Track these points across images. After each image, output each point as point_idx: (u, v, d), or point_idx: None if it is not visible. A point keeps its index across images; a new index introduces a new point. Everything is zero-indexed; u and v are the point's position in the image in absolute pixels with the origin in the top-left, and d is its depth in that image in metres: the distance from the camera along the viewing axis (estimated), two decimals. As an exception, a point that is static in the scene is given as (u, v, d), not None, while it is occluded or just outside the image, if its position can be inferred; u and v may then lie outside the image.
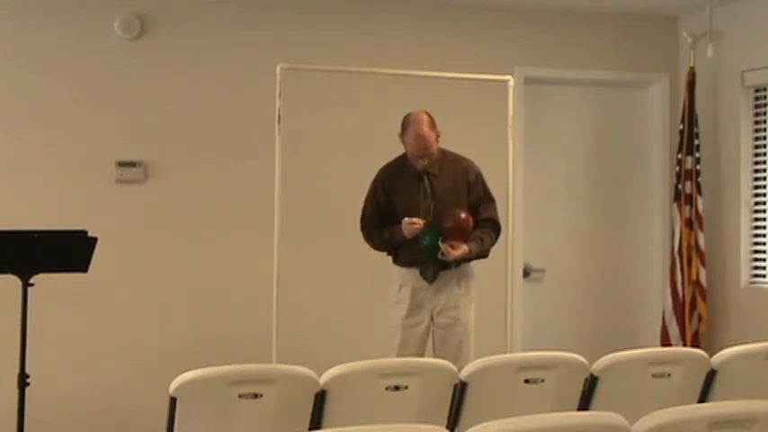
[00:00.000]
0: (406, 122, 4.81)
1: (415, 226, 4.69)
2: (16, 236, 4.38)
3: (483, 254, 4.87)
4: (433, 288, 4.80)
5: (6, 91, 5.51)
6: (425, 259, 4.76)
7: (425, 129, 4.75)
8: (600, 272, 6.52)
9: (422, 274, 4.81)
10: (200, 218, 5.71)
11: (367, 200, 4.94)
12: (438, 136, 4.81)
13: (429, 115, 4.81)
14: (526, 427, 2.44)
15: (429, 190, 4.80)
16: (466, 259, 4.80)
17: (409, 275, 4.83)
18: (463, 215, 4.73)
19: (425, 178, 4.81)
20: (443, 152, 4.88)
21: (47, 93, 5.55)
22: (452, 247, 4.68)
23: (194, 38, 5.76)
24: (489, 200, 4.93)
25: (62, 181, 5.53)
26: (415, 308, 4.81)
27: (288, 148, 5.04)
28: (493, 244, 4.90)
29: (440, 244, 4.68)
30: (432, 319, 4.82)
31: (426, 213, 4.76)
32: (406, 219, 4.72)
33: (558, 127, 6.49)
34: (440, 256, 4.69)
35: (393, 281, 4.90)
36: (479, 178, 4.91)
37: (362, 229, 4.94)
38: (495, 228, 4.89)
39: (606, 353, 3.70)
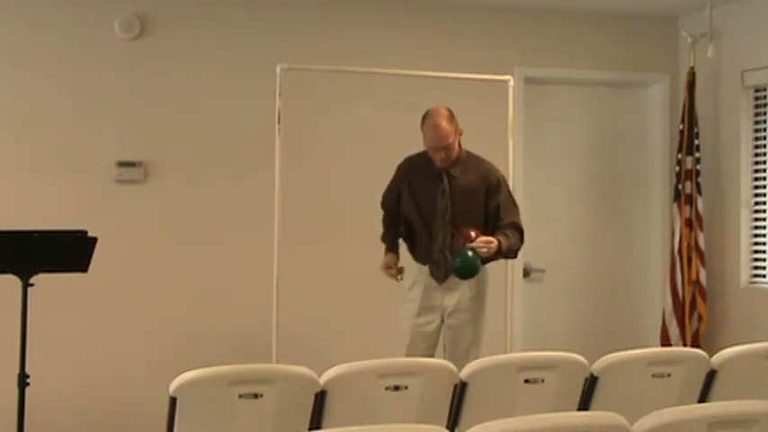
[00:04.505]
0: (425, 115, 4.78)
1: (391, 272, 4.87)
2: (16, 236, 4.38)
3: (511, 249, 4.76)
4: (444, 288, 4.77)
5: (6, 91, 5.51)
6: (438, 259, 4.72)
7: (442, 121, 4.71)
8: (600, 272, 6.52)
9: (432, 274, 4.78)
10: (201, 218, 5.71)
11: (391, 181, 4.96)
12: (460, 133, 4.76)
13: (449, 110, 4.77)
14: (526, 427, 2.44)
15: (447, 190, 4.76)
16: (498, 254, 4.69)
17: (422, 274, 4.81)
18: (473, 233, 4.62)
19: (445, 178, 4.78)
20: (468, 153, 4.85)
21: (47, 93, 5.55)
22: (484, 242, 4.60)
23: (194, 38, 5.76)
24: (512, 204, 4.88)
25: (62, 181, 5.53)
26: (425, 307, 4.79)
27: (288, 148, 5.04)
28: (519, 245, 4.82)
29: (473, 246, 4.56)
30: (442, 319, 4.79)
31: (444, 212, 4.74)
32: (384, 264, 4.88)
33: (558, 127, 6.49)
34: (482, 253, 4.56)
35: (407, 278, 4.89)
36: (501, 183, 4.86)
37: (382, 205, 5.00)
38: (518, 230, 4.81)
39: (606, 353, 3.70)
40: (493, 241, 4.62)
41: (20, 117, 5.52)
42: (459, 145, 4.81)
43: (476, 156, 4.88)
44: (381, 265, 4.90)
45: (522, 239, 4.84)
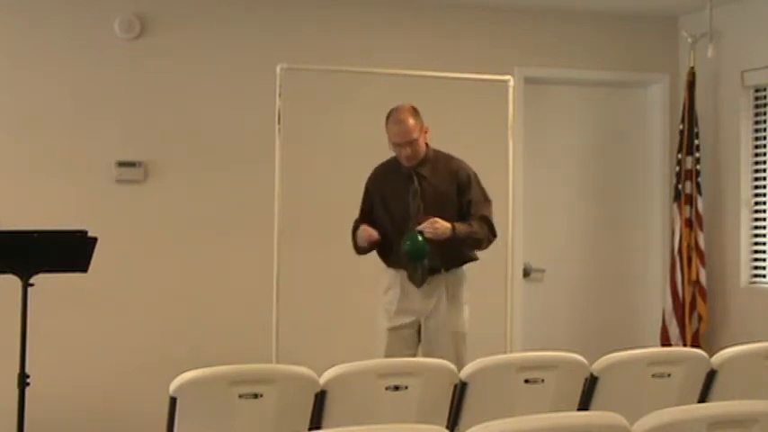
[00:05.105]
0: (389, 113, 4.72)
1: (366, 235, 4.65)
2: (16, 236, 4.38)
3: (472, 237, 4.66)
4: (422, 292, 4.68)
5: (6, 91, 5.52)
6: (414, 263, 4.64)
7: (407, 116, 4.65)
8: (600, 272, 6.52)
9: (410, 277, 4.69)
10: (200, 218, 5.72)
11: (362, 200, 4.88)
12: (425, 131, 4.69)
13: (414, 108, 4.71)
14: (526, 427, 2.44)
15: (419, 191, 4.70)
16: (454, 241, 4.58)
17: (398, 278, 4.72)
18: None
19: (416, 179, 4.71)
20: (436, 152, 4.78)
21: (47, 93, 5.55)
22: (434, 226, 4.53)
23: (194, 38, 5.76)
24: (484, 200, 4.77)
25: (62, 181, 5.53)
26: (402, 310, 4.71)
27: (288, 148, 5.04)
28: (488, 238, 4.71)
29: (420, 228, 4.52)
30: (420, 324, 4.71)
31: (416, 214, 4.64)
32: (364, 226, 4.68)
33: (558, 127, 6.49)
34: (427, 234, 4.51)
35: (381, 282, 4.81)
36: (472, 179, 4.76)
37: (353, 231, 4.85)
38: (486, 222, 4.70)
39: (606, 353, 3.70)
40: (437, 221, 4.53)
41: (20, 117, 5.52)
42: (427, 144, 4.73)
43: (445, 154, 4.80)
44: (362, 235, 4.69)
45: (493, 233, 4.72)
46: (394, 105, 4.78)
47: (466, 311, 4.77)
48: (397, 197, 4.74)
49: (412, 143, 4.66)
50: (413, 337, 4.73)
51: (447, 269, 4.70)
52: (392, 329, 4.72)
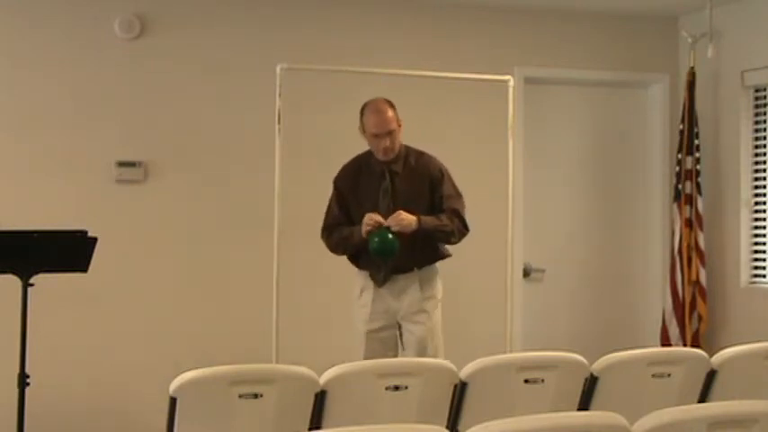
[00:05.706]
0: (364, 106, 4.67)
1: (368, 227, 4.49)
2: (16, 236, 4.38)
3: (441, 230, 4.59)
4: (394, 292, 4.63)
5: (6, 91, 5.51)
6: (379, 262, 4.58)
7: (385, 107, 4.61)
8: (600, 272, 6.52)
9: (371, 277, 4.64)
10: (200, 218, 5.72)
11: (331, 201, 4.78)
12: (399, 124, 4.63)
13: (389, 101, 4.66)
14: (526, 427, 2.44)
15: (389, 188, 4.63)
16: (421, 233, 4.52)
17: (370, 280, 4.68)
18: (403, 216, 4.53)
19: (387, 176, 4.65)
20: (407, 148, 4.72)
21: (47, 93, 5.55)
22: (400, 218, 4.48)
23: (194, 38, 5.76)
24: (456, 195, 4.70)
25: (62, 181, 5.53)
26: (377, 312, 4.65)
27: (288, 148, 5.04)
28: (459, 231, 4.64)
29: (387, 224, 4.47)
30: (398, 324, 4.66)
31: (387, 212, 4.55)
32: (369, 214, 4.52)
33: (558, 127, 6.49)
34: (393, 228, 4.45)
35: (354, 286, 4.75)
36: (444, 174, 4.70)
37: (324, 229, 4.74)
38: (457, 215, 4.64)
39: (606, 353, 3.70)
40: (401, 214, 4.47)
41: (20, 117, 5.52)
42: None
43: (416, 149, 4.74)
44: (363, 228, 4.53)
45: (465, 226, 4.66)
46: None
47: (439, 308, 4.71)
48: (368, 195, 4.66)
49: (391, 133, 4.60)
50: (392, 338, 4.68)
51: (419, 267, 4.66)
52: (370, 332, 4.66)
